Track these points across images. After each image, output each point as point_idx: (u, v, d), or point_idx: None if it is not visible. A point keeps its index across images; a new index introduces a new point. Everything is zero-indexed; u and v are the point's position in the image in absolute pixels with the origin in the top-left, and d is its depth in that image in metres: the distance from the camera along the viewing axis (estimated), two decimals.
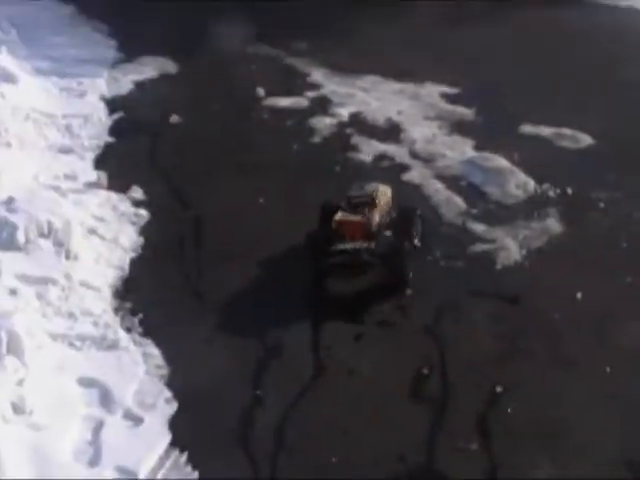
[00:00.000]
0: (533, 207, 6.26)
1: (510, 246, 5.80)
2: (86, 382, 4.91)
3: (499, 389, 4.70)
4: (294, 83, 8.59)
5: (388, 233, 5.67)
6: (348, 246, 5.55)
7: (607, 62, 8.78)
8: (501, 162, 6.78)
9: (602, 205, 6.30)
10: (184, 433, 4.60)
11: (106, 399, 4.80)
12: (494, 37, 9.59)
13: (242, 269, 5.73)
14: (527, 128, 7.41)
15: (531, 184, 6.52)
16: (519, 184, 6.52)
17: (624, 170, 6.73)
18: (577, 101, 7.93)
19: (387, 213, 5.80)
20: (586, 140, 7.20)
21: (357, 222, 5.62)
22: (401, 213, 5.84)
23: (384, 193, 5.87)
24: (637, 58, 8.88)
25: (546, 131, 7.34)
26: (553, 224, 6.05)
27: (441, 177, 6.73)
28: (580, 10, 10.54)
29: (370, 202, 5.73)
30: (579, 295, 5.34)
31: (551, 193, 6.44)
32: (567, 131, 7.29)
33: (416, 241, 5.74)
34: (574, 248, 5.82)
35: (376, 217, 5.68)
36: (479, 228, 6.03)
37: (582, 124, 7.39)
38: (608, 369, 4.78)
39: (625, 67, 8.59)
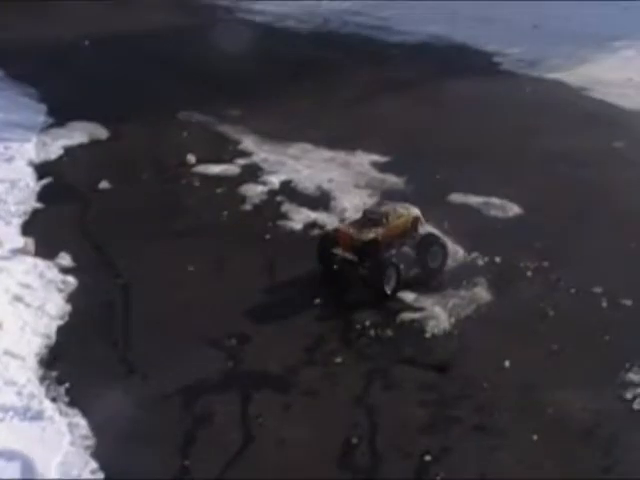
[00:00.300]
0: (462, 276, 6.31)
1: (439, 315, 5.83)
2: (8, 455, 4.77)
3: (428, 458, 4.69)
4: (225, 150, 8.61)
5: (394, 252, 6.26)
6: (339, 253, 6.10)
7: (535, 132, 8.97)
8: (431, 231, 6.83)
9: (529, 274, 6.37)
10: None
11: (29, 471, 4.66)
12: (424, 106, 9.76)
13: (171, 337, 5.67)
14: (456, 197, 7.51)
15: (460, 253, 6.58)
16: (449, 253, 6.57)
17: (551, 239, 6.83)
18: (506, 171, 8.07)
19: (401, 235, 6.27)
20: (514, 209, 7.31)
21: (346, 234, 6.14)
22: (422, 238, 6.32)
23: (399, 215, 6.33)
24: (563, 129, 9.09)
25: (475, 200, 7.44)
26: (481, 292, 6.10)
27: None
28: (507, 82, 10.79)
29: (379, 220, 6.19)
30: (507, 363, 5.37)
31: (480, 262, 6.50)
32: (496, 200, 7.39)
33: (432, 265, 6.25)
34: (502, 316, 5.86)
35: (370, 234, 6.10)
36: (409, 296, 6.04)
37: (510, 193, 7.50)
38: (535, 437, 4.80)
39: (551, 137, 8.78)
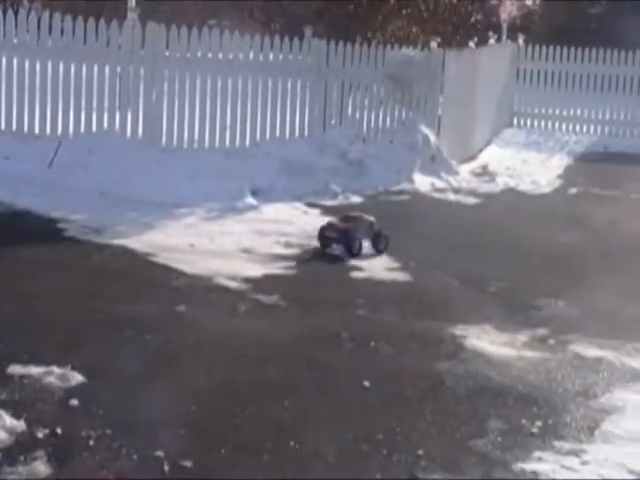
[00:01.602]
0: (21, 451, 6.05)
1: None
2: None
3: None
4: None
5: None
6: (330, 234, 11.03)
7: (100, 298, 9.00)
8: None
9: (92, 443, 6.26)
10: None
11: None
12: None
13: None
14: (16, 368, 7.27)
15: (19, 427, 6.33)
16: (6, 428, 6.30)
17: (112, 405, 6.79)
18: (68, 338, 7.99)
19: (363, 229, 11.12)
20: (76, 378, 7.19)
21: (334, 224, 11.13)
22: (374, 234, 11.17)
23: (362, 218, 11.33)
24: (128, 294, 9.22)
25: (36, 370, 7.24)
26: (40, 466, 5.87)
27: None
28: (72, 248, 10.82)
29: (351, 219, 11.20)
30: None
31: (40, 434, 6.29)
32: (57, 369, 7.25)
33: (380, 248, 11.11)
34: None
35: (345, 225, 11.02)
36: None
37: (75, 361, 7.41)
38: None
39: (117, 303, 8.86)
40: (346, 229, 10.85)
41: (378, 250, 10.97)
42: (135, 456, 6.13)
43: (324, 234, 10.95)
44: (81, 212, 12.18)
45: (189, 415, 6.79)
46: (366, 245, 10.97)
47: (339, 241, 10.84)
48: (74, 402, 6.82)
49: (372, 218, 11.14)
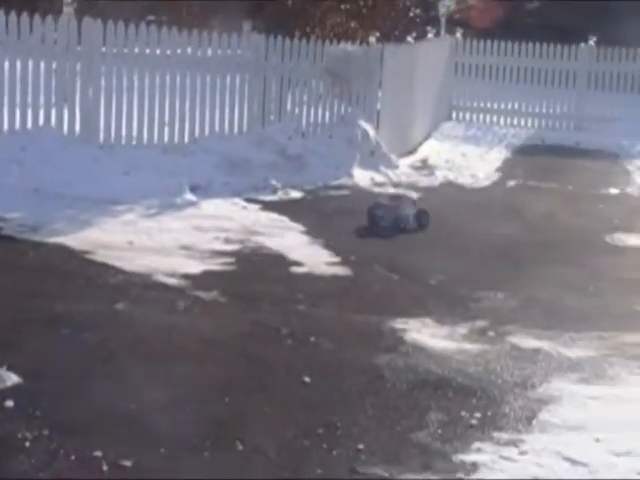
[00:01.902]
0: None
1: None
2: None
3: None
4: None
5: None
6: (378, 213, 12.04)
7: (36, 296, 8.89)
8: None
9: (28, 444, 6.16)
10: None
11: None
12: None
13: None
14: None
15: None
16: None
17: (54, 405, 6.69)
18: (4, 338, 7.86)
19: (407, 207, 12.27)
20: (13, 379, 7.08)
21: (382, 203, 12.18)
22: (418, 210, 12.27)
23: (404, 196, 12.90)
24: (65, 292, 9.11)
25: None
26: None
27: None
28: (8, 246, 10.67)
29: (398, 199, 12.53)
30: None
31: None
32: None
33: (422, 222, 12.18)
34: None
35: (393, 203, 12.23)
36: None
37: (12, 361, 7.28)
38: None
39: (53, 301, 8.75)
40: (392, 207, 11.98)
41: (421, 224, 12.05)
42: (73, 457, 6.05)
43: (373, 213, 11.95)
44: (16, 210, 12.00)
45: (128, 414, 6.73)
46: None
47: (387, 219, 11.86)
48: (9, 403, 6.72)
49: (415, 196, 12.89)
